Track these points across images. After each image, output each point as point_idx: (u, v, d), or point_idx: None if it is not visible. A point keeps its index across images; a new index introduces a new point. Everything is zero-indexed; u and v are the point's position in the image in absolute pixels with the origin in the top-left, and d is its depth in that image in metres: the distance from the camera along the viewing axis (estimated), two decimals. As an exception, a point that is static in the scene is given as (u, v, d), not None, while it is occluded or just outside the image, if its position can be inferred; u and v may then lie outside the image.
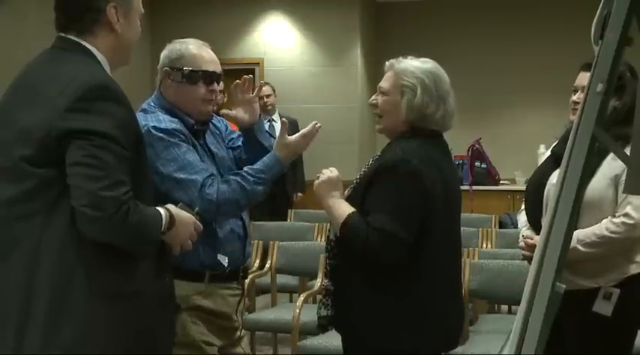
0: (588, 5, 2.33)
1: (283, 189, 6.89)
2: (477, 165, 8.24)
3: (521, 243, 2.93)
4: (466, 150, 8.16)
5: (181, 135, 2.48)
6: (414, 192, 2.34)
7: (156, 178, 2.37)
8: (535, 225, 2.94)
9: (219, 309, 2.59)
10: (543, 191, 2.89)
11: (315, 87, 8.37)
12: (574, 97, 2.91)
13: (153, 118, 2.49)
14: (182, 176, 2.40)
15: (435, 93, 2.41)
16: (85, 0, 2.06)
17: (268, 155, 2.54)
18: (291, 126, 7.21)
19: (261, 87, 2.68)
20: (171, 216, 2.06)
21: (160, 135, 2.43)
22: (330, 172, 2.50)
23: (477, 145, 8.26)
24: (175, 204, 2.16)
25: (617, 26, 1.48)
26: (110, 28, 2.08)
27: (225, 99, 5.53)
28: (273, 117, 7.01)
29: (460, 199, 2.63)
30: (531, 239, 2.86)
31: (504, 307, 5.17)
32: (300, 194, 7.18)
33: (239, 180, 2.45)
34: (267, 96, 7.06)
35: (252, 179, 2.46)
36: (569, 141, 1.56)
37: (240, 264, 2.65)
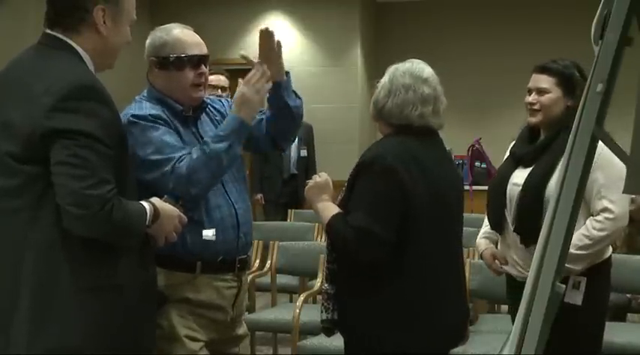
0: (588, 5, 2.33)
1: (295, 193, 6.92)
2: (476, 165, 8.23)
3: (492, 267, 3.05)
4: (466, 150, 8.16)
5: (159, 121, 2.45)
6: (389, 188, 2.36)
7: (135, 164, 2.35)
8: (497, 225, 3.03)
9: (211, 301, 2.53)
10: (506, 191, 2.97)
11: (315, 87, 8.36)
12: (529, 98, 3.00)
13: (135, 107, 2.48)
14: (158, 157, 2.37)
15: (388, 87, 2.49)
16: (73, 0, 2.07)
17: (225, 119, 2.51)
18: (306, 131, 7.29)
19: (279, 44, 2.57)
20: (155, 209, 2.10)
21: (137, 121, 2.41)
22: (319, 177, 2.56)
23: (477, 145, 8.26)
24: (158, 195, 2.20)
25: (617, 26, 1.48)
26: (95, 29, 2.08)
27: (230, 98, 5.53)
28: None
29: (460, 198, 2.62)
30: (490, 255, 3.04)
31: (504, 307, 5.15)
32: None
33: (200, 147, 2.41)
34: None
35: (209, 140, 2.41)
36: (569, 141, 1.56)
37: (236, 255, 2.57)
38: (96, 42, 2.10)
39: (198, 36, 2.58)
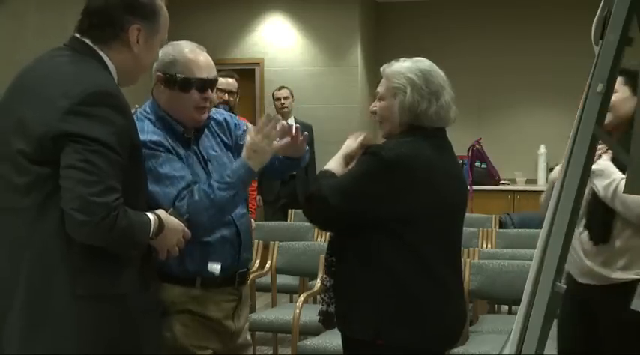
0: (588, 5, 2.33)
1: (294, 194, 6.91)
2: (477, 165, 8.24)
3: None
4: (466, 151, 8.17)
5: (160, 148, 2.41)
6: (376, 181, 2.35)
7: None
8: None
9: (211, 315, 2.53)
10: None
11: (315, 87, 8.37)
12: None
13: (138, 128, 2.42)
14: (157, 189, 2.34)
15: (426, 90, 2.41)
16: (110, 15, 2.05)
17: (237, 160, 2.47)
18: (305, 130, 7.27)
19: (298, 129, 2.63)
20: (160, 221, 2.07)
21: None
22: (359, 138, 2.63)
23: (477, 145, 8.27)
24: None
25: (617, 26, 1.48)
26: (128, 48, 2.08)
27: (238, 99, 5.49)
28: (288, 121, 7.03)
29: (464, 201, 2.61)
30: None
31: (504, 307, 5.17)
32: None
33: (205, 188, 2.37)
34: (285, 98, 7.10)
35: (216, 185, 2.37)
36: (569, 141, 1.56)
37: (236, 270, 2.58)
38: (125, 58, 2.09)
39: (209, 57, 2.53)
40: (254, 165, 2.41)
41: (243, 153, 2.43)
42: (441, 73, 2.48)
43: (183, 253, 2.33)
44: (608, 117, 2.84)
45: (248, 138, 2.44)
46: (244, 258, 2.62)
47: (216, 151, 2.61)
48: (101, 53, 2.06)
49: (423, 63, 2.48)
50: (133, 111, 2.56)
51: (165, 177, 2.36)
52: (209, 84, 2.49)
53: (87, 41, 2.07)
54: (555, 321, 3.83)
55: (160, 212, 2.12)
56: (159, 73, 2.49)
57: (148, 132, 2.42)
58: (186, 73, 2.45)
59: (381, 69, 2.53)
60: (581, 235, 2.86)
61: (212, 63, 2.53)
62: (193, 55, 2.49)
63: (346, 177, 2.44)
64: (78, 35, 2.08)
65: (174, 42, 2.51)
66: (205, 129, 2.61)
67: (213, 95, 2.53)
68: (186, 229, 2.20)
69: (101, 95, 1.95)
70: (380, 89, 2.52)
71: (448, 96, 2.45)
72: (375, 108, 2.54)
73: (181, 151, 2.49)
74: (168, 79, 2.46)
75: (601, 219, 2.79)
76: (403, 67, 2.46)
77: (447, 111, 2.45)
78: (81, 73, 2.00)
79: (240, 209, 2.59)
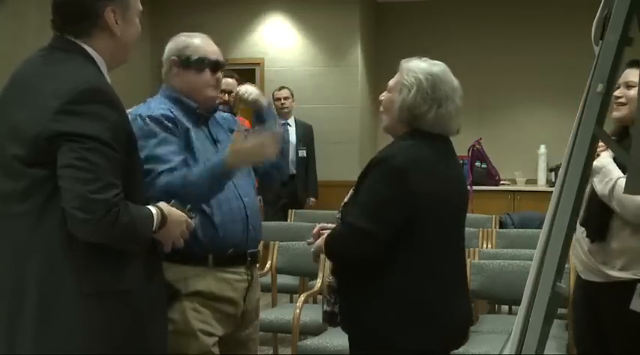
0: (588, 5, 2.33)
1: (294, 190, 6.91)
2: (477, 165, 8.24)
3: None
4: (466, 151, 8.16)
5: (165, 122, 2.50)
6: (393, 188, 2.35)
7: None
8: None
9: (223, 294, 2.58)
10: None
11: (315, 87, 8.36)
12: (616, 92, 2.85)
13: (144, 107, 2.56)
14: (145, 167, 2.35)
15: (430, 94, 2.42)
16: (81, 6, 2.05)
17: (217, 155, 2.50)
18: (306, 131, 7.30)
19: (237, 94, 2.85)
20: (162, 214, 2.07)
21: (140, 122, 2.47)
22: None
23: (477, 145, 8.26)
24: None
25: (617, 26, 1.48)
26: (109, 32, 2.07)
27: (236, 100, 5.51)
28: (288, 121, 7.02)
29: (465, 203, 2.62)
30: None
31: (504, 307, 5.16)
32: (313, 200, 7.18)
33: (184, 173, 2.43)
34: (285, 98, 7.09)
35: (194, 170, 2.43)
36: (569, 141, 1.56)
37: (246, 248, 2.65)
38: (110, 43, 2.09)
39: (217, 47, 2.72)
40: (234, 167, 2.45)
41: (229, 154, 2.43)
42: (454, 83, 2.48)
43: (193, 233, 2.33)
44: (623, 111, 2.82)
45: (242, 145, 2.44)
46: (253, 235, 2.67)
47: (223, 137, 2.70)
48: (85, 46, 2.06)
49: (438, 67, 2.49)
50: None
51: (155, 159, 2.43)
52: (220, 66, 2.69)
53: (70, 38, 2.06)
54: (564, 323, 3.84)
55: (162, 204, 2.12)
56: (174, 58, 2.64)
57: (154, 108, 2.55)
58: (200, 54, 2.63)
59: (401, 62, 2.54)
60: (583, 232, 2.87)
61: (220, 52, 2.72)
62: (205, 41, 2.69)
63: (361, 196, 2.41)
64: (58, 33, 2.08)
65: (186, 33, 2.71)
66: (213, 118, 2.73)
67: (221, 77, 2.70)
68: (189, 220, 2.20)
69: (91, 92, 1.95)
70: (391, 81, 2.53)
71: (453, 107, 2.46)
72: (382, 98, 2.56)
73: (191, 127, 2.58)
74: (184, 60, 2.63)
75: (598, 216, 2.79)
76: (418, 66, 2.48)
77: (448, 120, 2.45)
78: (69, 71, 1.99)
79: (246, 186, 2.67)
